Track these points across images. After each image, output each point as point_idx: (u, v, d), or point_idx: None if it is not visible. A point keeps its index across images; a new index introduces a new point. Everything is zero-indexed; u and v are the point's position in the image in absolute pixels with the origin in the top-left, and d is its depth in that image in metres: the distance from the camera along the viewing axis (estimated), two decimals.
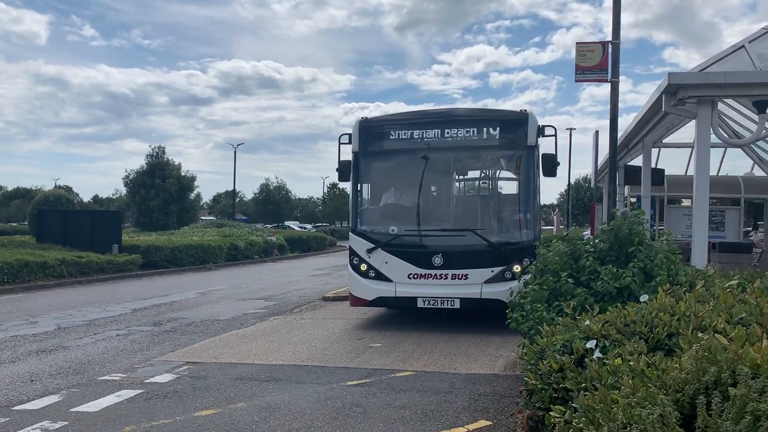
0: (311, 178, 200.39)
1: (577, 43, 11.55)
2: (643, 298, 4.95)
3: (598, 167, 17.54)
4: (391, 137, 10.14)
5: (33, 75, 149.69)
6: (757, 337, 2.98)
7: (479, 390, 6.24)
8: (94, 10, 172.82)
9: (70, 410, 5.64)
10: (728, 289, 4.55)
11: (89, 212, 29.92)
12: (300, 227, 59.09)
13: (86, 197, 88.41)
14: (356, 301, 10.08)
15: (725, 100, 11.97)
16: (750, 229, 31.17)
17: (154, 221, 39.44)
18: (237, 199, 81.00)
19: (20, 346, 8.72)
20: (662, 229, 13.98)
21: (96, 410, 5.64)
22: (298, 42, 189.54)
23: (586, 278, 6.06)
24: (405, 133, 10.08)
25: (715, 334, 3.10)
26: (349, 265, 10.14)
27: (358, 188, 10.26)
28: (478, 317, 10.06)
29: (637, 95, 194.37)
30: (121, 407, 5.73)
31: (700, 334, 3.30)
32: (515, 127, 9.75)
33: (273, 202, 77.25)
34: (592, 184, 18.28)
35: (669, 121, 13.42)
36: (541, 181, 10.02)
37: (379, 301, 9.95)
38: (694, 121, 10.05)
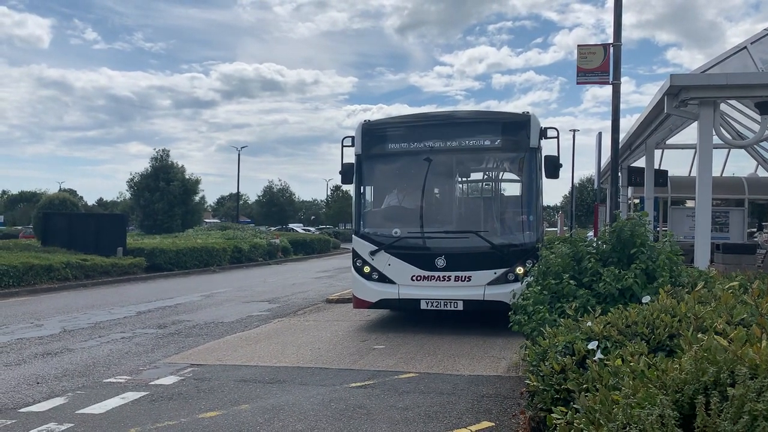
0: (315, 180, 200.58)
1: (578, 45, 11.61)
2: (645, 299, 4.96)
3: (601, 169, 17.54)
4: (393, 140, 10.18)
5: (36, 79, 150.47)
6: (756, 337, 3.01)
7: (482, 391, 6.26)
8: (96, 14, 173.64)
9: (76, 412, 5.68)
10: (729, 290, 4.57)
11: (94, 215, 30.06)
12: (304, 230, 59.14)
13: (90, 200, 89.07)
14: (359, 303, 10.11)
15: (728, 101, 11.99)
16: (754, 230, 31.07)
17: (159, 224, 39.63)
18: (241, 202, 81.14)
19: (26, 348, 8.77)
20: (665, 230, 13.97)
21: (101, 412, 5.68)
22: (300, 44, 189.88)
23: (589, 280, 6.07)
24: (407, 135, 10.12)
25: (715, 335, 3.12)
26: (352, 267, 10.17)
27: (361, 191, 10.28)
28: (481, 319, 10.08)
29: (641, 96, 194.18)
30: (126, 409, 5.77)
31: (700, 335, 3.32)
32: (518, 129, 9.77)
33: (277, 205, 77.51)
34: (595, 186, 18.27)
35: (672, 122, 13.44)
36: (544, 183, 10.05)
37: (382, 303, 9.98)
38: (697, 122, 10.07)
